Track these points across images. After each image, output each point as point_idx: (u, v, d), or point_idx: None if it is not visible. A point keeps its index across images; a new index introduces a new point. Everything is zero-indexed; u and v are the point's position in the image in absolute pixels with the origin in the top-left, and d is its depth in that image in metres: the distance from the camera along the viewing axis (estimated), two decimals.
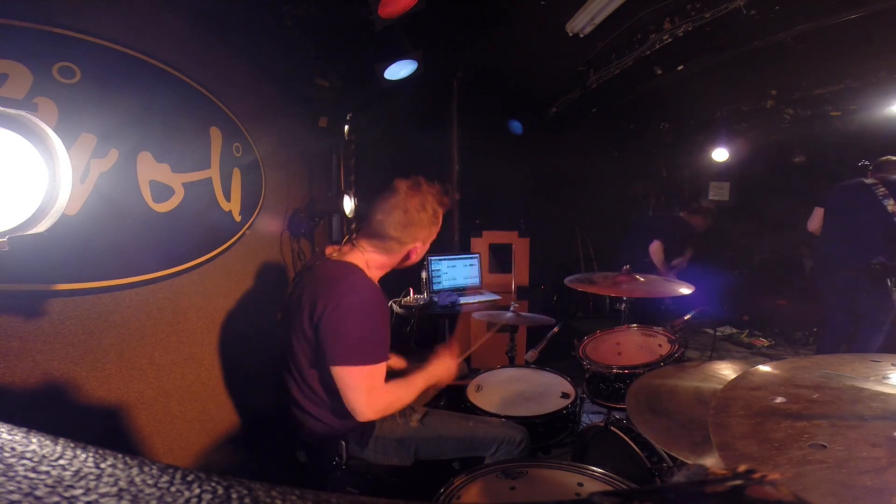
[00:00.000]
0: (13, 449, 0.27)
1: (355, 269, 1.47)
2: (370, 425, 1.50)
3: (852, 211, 3.01)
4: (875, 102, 3.45)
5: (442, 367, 1.67)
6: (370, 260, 1.53)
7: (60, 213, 0.82)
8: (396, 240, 1.50)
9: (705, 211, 4.00)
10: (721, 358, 4.03)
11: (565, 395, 1.88)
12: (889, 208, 2.81)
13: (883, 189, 2.86)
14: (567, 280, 2.31)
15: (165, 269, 1.55)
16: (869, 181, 2.93)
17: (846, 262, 2.97)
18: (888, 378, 0.83)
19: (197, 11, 1.69)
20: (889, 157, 3.02)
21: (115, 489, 0.24)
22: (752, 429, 0.72)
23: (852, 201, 3.02)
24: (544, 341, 2.13)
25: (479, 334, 3.35)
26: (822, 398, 0.78)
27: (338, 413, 1.48)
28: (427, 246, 1.61)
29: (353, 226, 2.67)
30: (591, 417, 2.42)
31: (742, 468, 0.25)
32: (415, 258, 1.61)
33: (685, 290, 2.02)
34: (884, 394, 0.77)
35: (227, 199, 1.87)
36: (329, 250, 1.60)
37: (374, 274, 1.56)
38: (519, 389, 1.97)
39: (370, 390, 1.39)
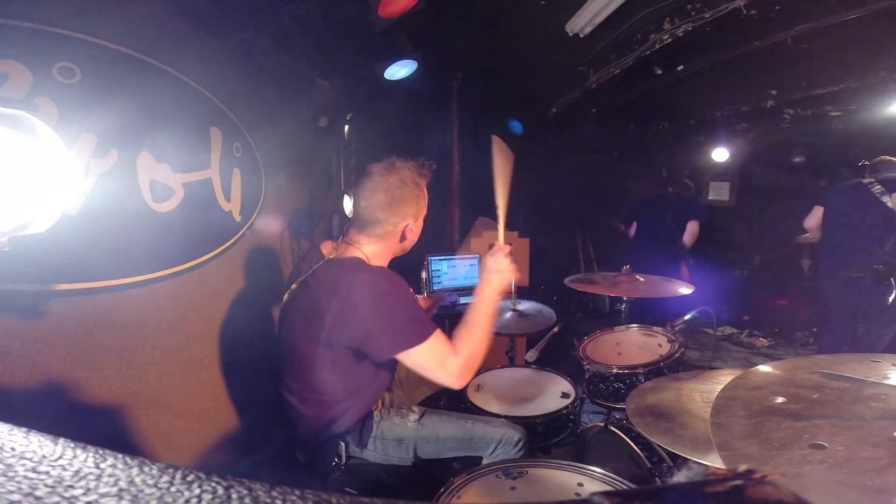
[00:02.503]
0: (13, 449, 0.27)
1: (359, 262, 1.45)
2: (370, 426, 1.50)
3: (851, 211, 3.02)
4: (875, 102, 3.45)
5: (496, 275, 1.47)
6: (367, 251, 1.50)
7: (60, 213, 0.82)
8: (387, 222, 1.47)
9: (681, 182, 4.30)
10: (721, 358, 4.06)
11: (565, 395, 1.88)
12: (889, 204, 2.82)
13: (879, 187, 2.88)
14: (567, 280, 2.31)
15: (165, 269, 1.55)
16: (866, 181, 2.95)
17: (848, 263, 2.97)
18: (888, 378, 0.83)
19: (197, 11, 1.69)
20: (884, 157, 3.03)
21: (115, 489, 0.24)
22: (752, 429, 0.72)
23: (851, 201, 3.04)
24: (544, 341, 2.13)
25: None
26: (822, 398, 0.78)
27: (337, 413, 1.48)
28: (420, 222, 1.58)
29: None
30: (591, 417, 2.42)
31: (742, 468, 0.25)
32: (411, 237, 1.58)
33: (685, 290, 2.02)
34: (884, 394, 0.77)
35: (227, 199, 1.87)
36: (326, 250, 1.58)
37: (376, 264, 1.54)
38: (519, 389, 1.97)
39: (442, 362, 1.37)
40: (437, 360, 1.37)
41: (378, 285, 1.38)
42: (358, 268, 1.42)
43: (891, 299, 2.76)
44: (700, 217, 4.05)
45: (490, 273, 1.48)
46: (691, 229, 4.00)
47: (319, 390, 1.47)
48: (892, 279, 2.76)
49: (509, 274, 1.48)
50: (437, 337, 1.38)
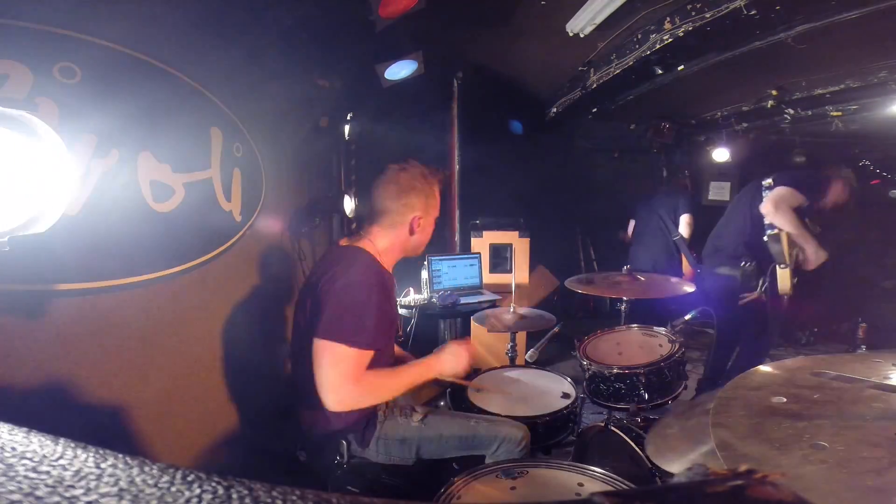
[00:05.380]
0: (14, 449, 0.27)
1: (362, 251, 1.51)
2: (373, 425, 1.50)
3: (738, 204, 2.84)
4: (875, 102, 3.44)
5: (450, 358, 1.57)
6: (379, 244, 1.56)
7: (60, 213, 0.82)
8: (395, 211, 1.55)
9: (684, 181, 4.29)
10: None
11: (565, 395, 1.88)
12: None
13: (769, 181, 2.60)
14: (567, 281, 2.31)
15: (166, 269, 1.55)
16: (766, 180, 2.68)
17: (724, 260, 2.76)
18: (889, 378, 0.83)
19: (197, 11, 1.69)
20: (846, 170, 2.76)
21: (115, 489, 0.24)
22: (752, 429, 0.72)
23: (744, 195, 2.82)
24: (544, 341, 2.13)
25: (479, 335, 3.36)
26: (822, 398, 0.78)
27: (341, 412, 1.48)
28: (430, 220, 1.63)
29: (353, 226, 2.68)
30: (591, 417, 2.42)
31: (743, 468, 0.25)
32: (420, 233, 1.60)
33: (687, 289, 2.02)
34: (884, 394, 0.77)
35: (228, 199, 1.87)
36: (343, 241, 1.64)
37: (386, 260, 1.57)
38: (519, 389, 1.97)
39: (345, 378, 1.33)
40: (344, 372, 1.34)
41: (356, 275, 1.41)
42: (356, 255, 1.48)
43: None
44: (693, 211, 3.95)
45: (446, 354, 1.58)
46: (686, 221, 3.91)
47: None
48: (759, 281, 2.53)
49: (460, 368, 1.58)
50: (364, 355, 1.38)
